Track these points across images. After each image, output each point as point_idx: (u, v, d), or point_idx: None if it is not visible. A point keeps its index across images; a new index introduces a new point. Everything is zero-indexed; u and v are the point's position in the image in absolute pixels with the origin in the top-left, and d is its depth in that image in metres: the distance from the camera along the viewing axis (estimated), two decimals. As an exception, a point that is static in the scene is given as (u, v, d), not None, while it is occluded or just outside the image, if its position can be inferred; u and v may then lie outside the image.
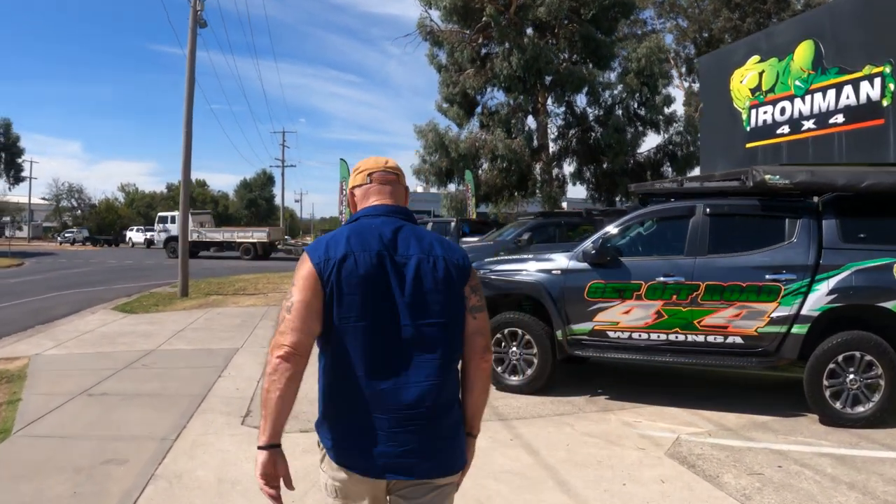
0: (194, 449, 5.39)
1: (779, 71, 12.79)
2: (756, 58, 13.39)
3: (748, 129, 13.47)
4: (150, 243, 52.55)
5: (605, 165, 23.81)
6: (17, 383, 7.69)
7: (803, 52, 12.22)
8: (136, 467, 4.99)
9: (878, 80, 10.50)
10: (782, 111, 12.68)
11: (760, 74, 13.22)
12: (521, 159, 21.57)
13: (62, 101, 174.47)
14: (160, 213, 48.33)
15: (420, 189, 56.65)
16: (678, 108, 27.25)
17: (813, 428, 6.16)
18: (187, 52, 18.19)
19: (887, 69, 10.18)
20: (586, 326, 6.94)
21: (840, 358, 6.17)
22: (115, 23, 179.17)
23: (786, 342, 6.34)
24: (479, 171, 23.02)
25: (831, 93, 11.62)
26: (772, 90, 12.93)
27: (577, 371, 8.20)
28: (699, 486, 4.75)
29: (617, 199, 24.37)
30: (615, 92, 23.63)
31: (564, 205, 30.10)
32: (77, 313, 14.62)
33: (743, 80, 13.67)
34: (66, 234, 68.86)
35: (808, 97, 12.12)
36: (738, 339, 6.45)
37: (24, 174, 68.93)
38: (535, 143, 23.22)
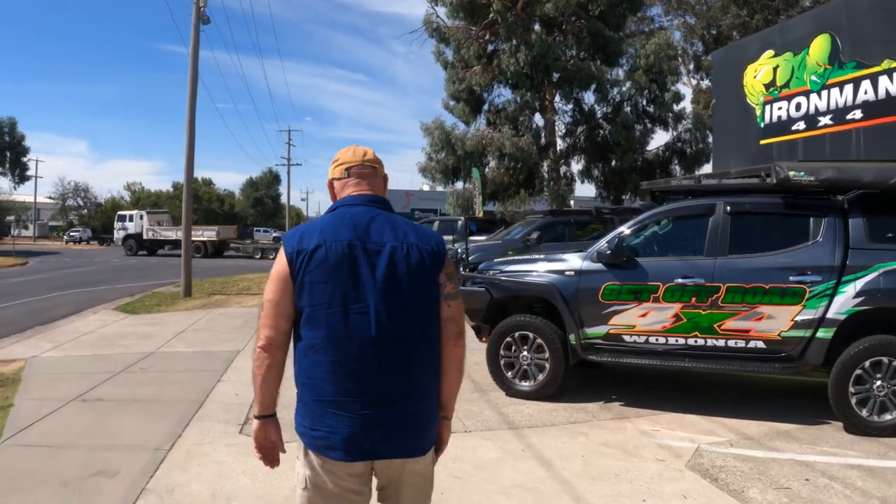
0: (189, 460, 5.11)
1: (794, 66, 12.47)
2: (770, 52, 13.07)
3: (762, 125, 13.15)
4: (110, 241, 53.05)
5: (613, 163, 23.46)
6: (11, 387, 7.45)
7: (819, 47, 11.90)
8: (126, 480, 4.72)
9: (897, 75, 10.19)
10: (798, 107, 12.36)
11: (775, 69, 12.90)
12: (528, 157, 21.24)
13: (69, 100, 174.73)
14: (119, 212, 50.52)
15: (426, 187, 56.53)
16: (686, 105, 26.93)
17: (838, 437, 5.85)
18: (190, 49, 18.05)
19: (907, 63, 9.86)
20: (601, 330, 6.63)
21: (867, 363, 5.84)
22: (122, 22, 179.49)
23: (810, 347, 6.03)
24: (486, 169, 22.71)
25: (849, 88, 11.31)
26: (787, 85, 12.61)
27: (590, 376, 7.88)
28: (723, 503, 4.46)
29: (625, 197, 24.06)
30: (623, 89, 23.30)
31: (572, 203, 29.81)
32: (78, 313, 14.44)
33: (757, 75, 13.35)
34: (72, 233, 68.93)
35: (824, 92, 11.80)
36: (761, 344, 6.14)
37: (29, 173, 68.95)
38: (543, 140, 22.88)
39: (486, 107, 23.97)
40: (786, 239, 6.28)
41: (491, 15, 21.07)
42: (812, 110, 12.05)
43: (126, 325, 12.48)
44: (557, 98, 23.48)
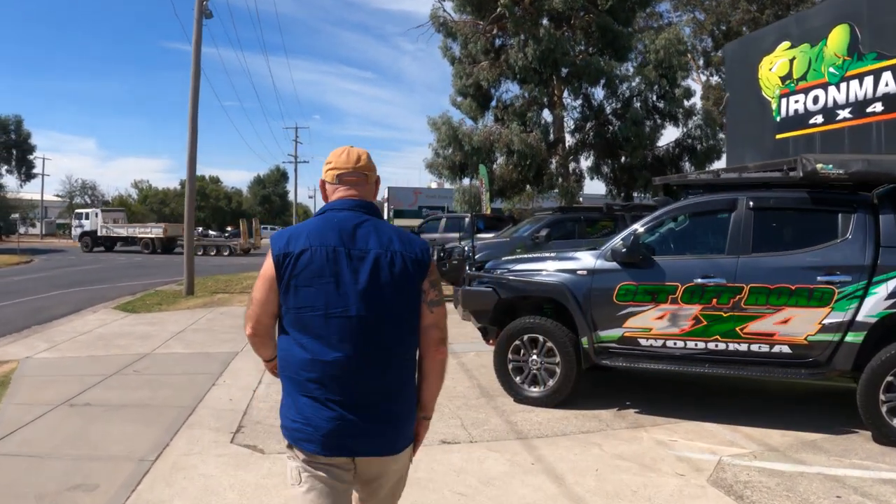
0: (174, 473, 4.77)
1: (811, 57, 12.10)
2: (786, 44, 12.70)
3: (778, 119, 12.79)
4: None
5: (623, 159, 23.03)
6: (-1, 391, 7.15)
7: (838, 37, 11.53)
8: (105, 495, 4.39)
9: (920, 66, 9.81)
10: (815, 100, 12.00)
11: (791, 61, 12.53)
12: (537, 153, 20.81)
13: (77, 98, 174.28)
14: (76, 211, 52.03)
15: (434, 185, 56.20)
16: (696, 101, 26.46)
17: (868, 448, 5.48)
18: (193, 43, 17.78)
19: (930, 54, 9.47)
20: (615, 333, 6.26)
21: (899, 369, 5.45)
22: (131, 19, 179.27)
23: (839, 352, 5.64)
24: (494, 166, 22.33)
25: (868, 80, 10.95)
26: (804, 78, 12.25)
27: (601, 379, 7.50)
28: (751, 523, 4.10)
29: (636, 194, 23.64)
30: (633, 84, 22.86)
31: (581, 200, 29.41)
32: (77, 312, 14.19)
33: (772, 67, 12.98)
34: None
35: (843, 85, 11.44)
36: (786, 349, 5.76)
37: (35, 171, 68.86)
38: (552, 136, 22.45)
39: (493, 103, 23.59)
40: (813, 236, 5.89)
41: (498, 9, 20.68)
42: (830, 103, 11.69)
43: (125, 324, 12.19)
44: (566, 93, 23.08)
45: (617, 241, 6.39)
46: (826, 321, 5.62)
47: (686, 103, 23.09)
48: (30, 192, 72.70)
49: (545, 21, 21.86)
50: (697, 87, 34.84)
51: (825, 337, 5.64)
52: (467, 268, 8.06)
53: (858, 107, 11.11)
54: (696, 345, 6.01)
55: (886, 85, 10.63)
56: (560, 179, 22.90)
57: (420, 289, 2.41)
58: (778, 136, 12.70)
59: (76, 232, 48.14)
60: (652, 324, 6.10)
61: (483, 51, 22.09)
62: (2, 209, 63.32)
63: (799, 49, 12.36)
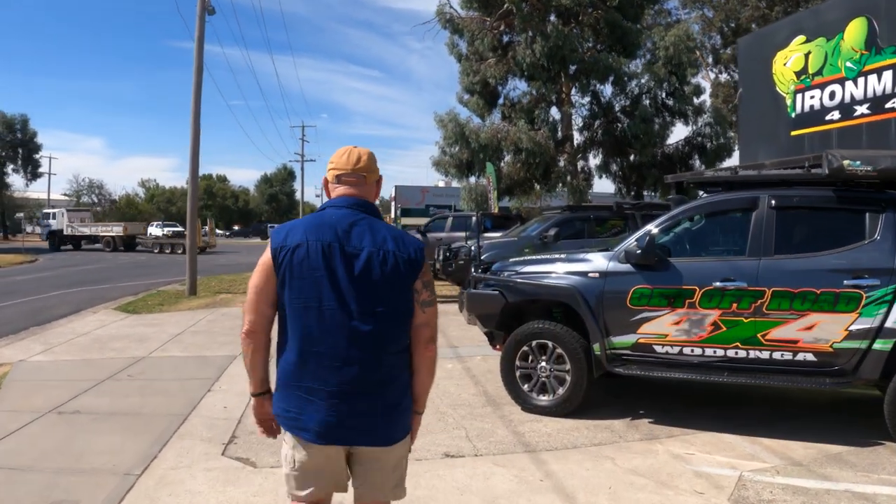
0: (159, 489, 4.48)
1: (827, 52, 11.73)
2: (801, 38, 12.32)
3: (793, 115, 12.41)
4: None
5: (632, 157, 22.70)
6: (-14, 397, 6.89)
7: (855, 31, 11.16)
8: (85, 515, 4.11)
9: (941, 60, 9.45)
10: (832, 95, 11.62)
11: (807, 56, 12.15)
12: (544, 151, 20.49)
13: (85, 97, 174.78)
14: (44, 210, 53.42)
15: (441, 183, 55.88)
16: (706, 99, 26.10)
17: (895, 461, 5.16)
18: (195, 40, 17.55)
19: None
20: (629, 339, 5.93)
21: (930, 379, 5.12)
22: (138, 18, 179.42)
23: (866, 359, 5.30)
24: (501, 164, 22.03)
25: (887, 74, 10.59)
26: (819, 73, 11.87)
27: (612, 386, 7.15)
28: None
29: (646, 192, 23.28)
30: (642, 81, 22.51)
31: (590, 198, 29.07)
32: (77, 313, 13.97)
33: (787, 62, 12.60)
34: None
35: (860, 80, 11.08)
36: (810, 356, 5.42)
37: (42, 170, 68.80)
38: (560, 134, 22.13)
39: (500, 100, 23.32)
40: (838, 237, 5.55)
41: (505, 5, 20.36)
42: (847, 99, 11.32)
43: (124, 326, 11.94)
44: (574, 91, 22.74)
45: (631, 241, 6.05)
46: (853, 327, 5.29)
47: (696, 101, 22.80)
48: (37, 191, 72.72)
49: (553, 17, 21.57)
50: (707, 85, 34.47)
51: (852, 344, 5.31)
52: (473, 269, 7.74)
53: (877, 102, 10.74)
54: (714, 352, 5.68)
55: (906, 80, 10.28)
56: (568, 178, 22.60)
57: (412, 288, 2.48)
58: (793, 133, 12.33)
59: (44, 231, 49.37)
60: (668, 329, 5.77)
61: (490, 48, 21.78)
62: (7, 208, 63.34)
63: (814, 43, 12.00)
